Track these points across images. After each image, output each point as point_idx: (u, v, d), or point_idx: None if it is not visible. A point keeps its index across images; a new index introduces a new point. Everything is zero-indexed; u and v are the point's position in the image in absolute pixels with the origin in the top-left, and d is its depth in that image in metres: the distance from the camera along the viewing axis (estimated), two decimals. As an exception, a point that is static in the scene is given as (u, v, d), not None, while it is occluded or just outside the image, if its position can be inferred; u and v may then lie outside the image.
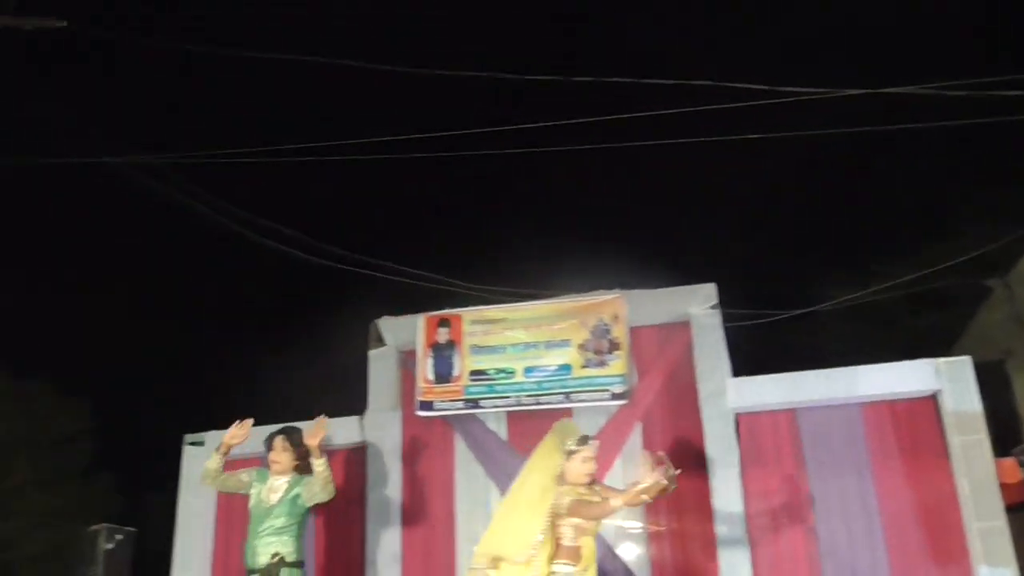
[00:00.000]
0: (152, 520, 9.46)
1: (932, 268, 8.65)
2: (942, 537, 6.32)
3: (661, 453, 4.62)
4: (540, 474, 4.74)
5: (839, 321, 12.46)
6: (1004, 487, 6.26)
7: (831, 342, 12.62)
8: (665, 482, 4.42)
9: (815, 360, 7.45)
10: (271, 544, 5.36)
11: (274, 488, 5.51)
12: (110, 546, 6.96)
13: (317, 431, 5.54)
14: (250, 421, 5.61)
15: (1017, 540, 6.11)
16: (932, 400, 6.65)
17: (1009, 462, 6.40)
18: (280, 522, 5.44)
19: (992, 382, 7.33)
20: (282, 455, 5.62)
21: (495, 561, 4.63)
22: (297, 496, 5.52)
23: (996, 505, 6.13)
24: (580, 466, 4.69)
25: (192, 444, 7.96)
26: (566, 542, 4.58)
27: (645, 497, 4.41)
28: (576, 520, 4.59)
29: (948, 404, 6.48)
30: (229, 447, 5.56)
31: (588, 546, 4.66)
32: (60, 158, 7.56)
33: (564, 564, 4.53)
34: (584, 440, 4.79)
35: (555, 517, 4.58)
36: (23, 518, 12.14)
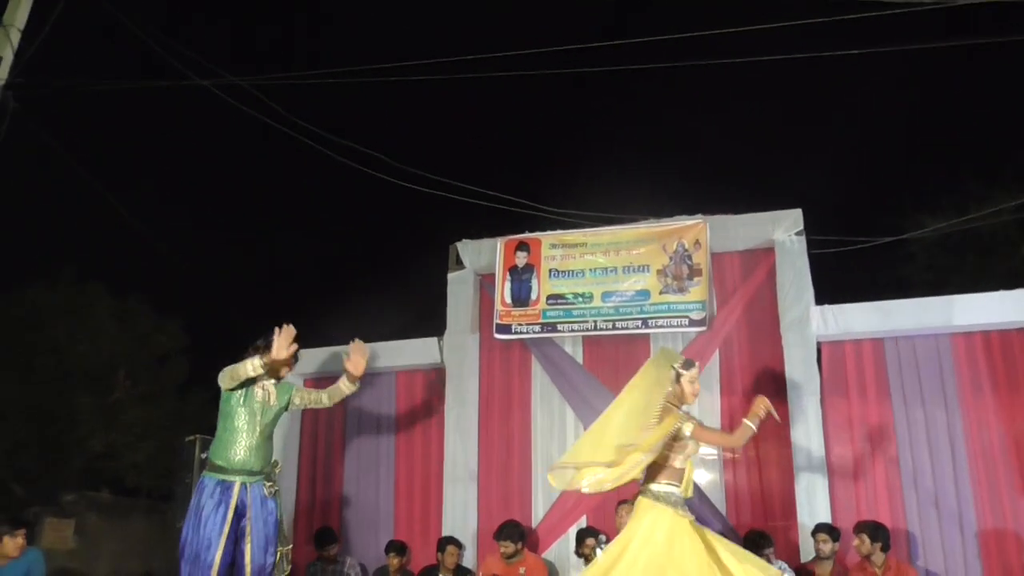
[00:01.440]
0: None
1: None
2: (1031, 470, 6.18)
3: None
4: (642, 392, 4.69)
5: (934, 249, 12.03)
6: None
7: (922, 272, 12.22)
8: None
9: (904, 290, 7.23)
10: (267, 449, 5.11)
11: (270, 391, 5.11)
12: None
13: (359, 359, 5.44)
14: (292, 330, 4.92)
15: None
16: (1027, 331, 6.43)
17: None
18: (273, 427, 5.18)
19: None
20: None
21: (581, 465, 4.64)
22: (288, 403, 5.25)
23: (1089, 439, 5.95)
24: (689, 387, 4.70)
25: (279, 361, 8.31)
26: (676, 463, 4.61)
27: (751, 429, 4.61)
28: (691, 443, 4.62)
29: (1045, 335, 6.25)
30: (276, 362, 4.91)
31: (690, 469, 4.71)
32: (145, 81, 7.79)
33: (669, 484, 4.56)
34: (691, 363, 4.79)
35: (673, 438, 4.58)
36: (126, 430, 12.99)
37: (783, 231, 7.04)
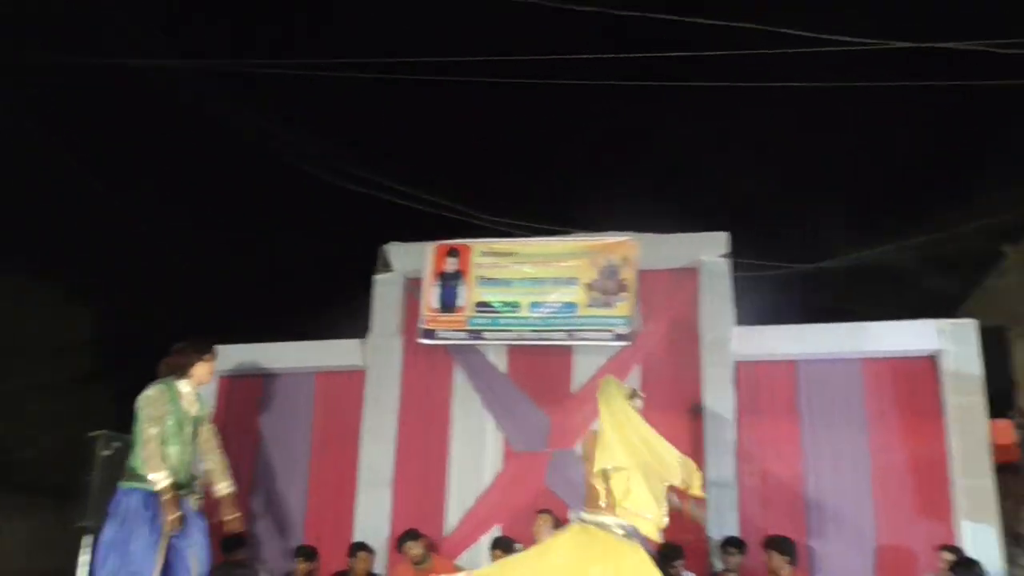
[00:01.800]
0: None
1: (946, 230, 8.68)
2: (928, 492, 6.51)
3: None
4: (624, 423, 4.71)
5: (850, 278, 12.53)
6: (996, 447, 6.40)
7: (831, 299, 12.69)
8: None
9: (821, 315, 7.51)
10: (194, 460, 4.99)
11: (188, 398, 4.98)
12: (107, 453, 7.08)
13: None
14: None
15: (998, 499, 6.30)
16: (932, 360, 6.76)
17: (1004, 423, 6.52)
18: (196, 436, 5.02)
19: (992, 346, 7.40)
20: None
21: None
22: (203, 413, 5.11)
23: (985, 463, 6.31)
24: None
25: (196, 357, 8.11)
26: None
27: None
28: None
29: (948, 365, 6.60)
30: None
31: None
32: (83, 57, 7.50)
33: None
34: (636, 395, 4.91)
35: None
36: (22, 422, 12.41)
37: (708, 253, 7.24)
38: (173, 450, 4.80)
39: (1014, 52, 6.81)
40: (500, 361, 7.46)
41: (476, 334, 7.39)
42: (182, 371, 4.98)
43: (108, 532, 4.66)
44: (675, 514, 5.95)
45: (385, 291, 7.78)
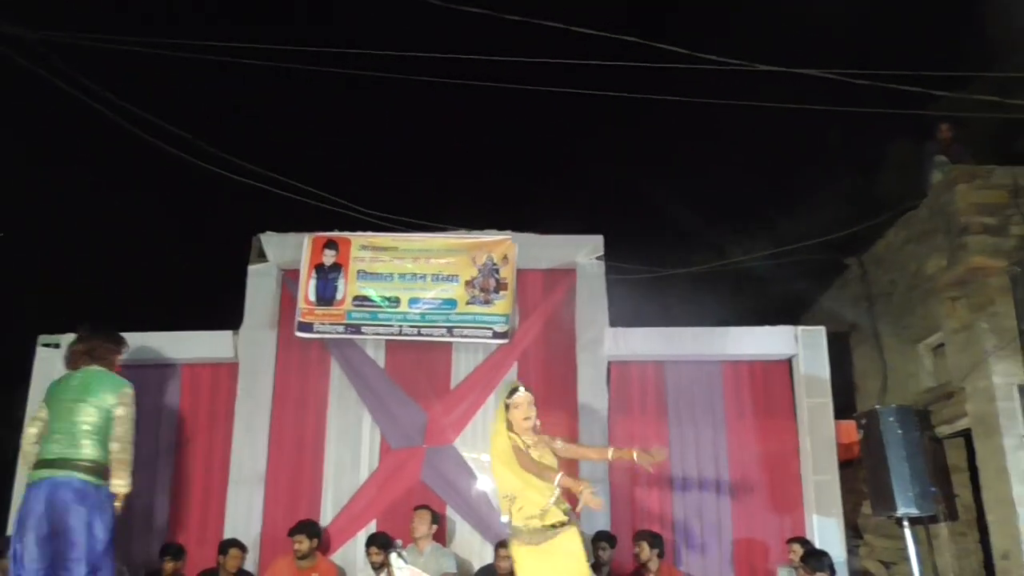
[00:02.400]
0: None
1: (797, 242, 9.34)
2: (781, 487, 7.04)
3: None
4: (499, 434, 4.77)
5: (695, 283, 13.23)
6: (840, 446, 6.98)
7: (683, 303, 13.38)
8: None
9: (669, 319, 7.91)
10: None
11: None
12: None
13: None
14: None
15: (843, 493, 6.89)
16: (787, 364, 7.29)
17: (848, 424, 7.11)
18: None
19: (836, 352, 8.04)
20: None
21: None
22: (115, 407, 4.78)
23: (832, 461, 6.88)
24: (516, 413, 4.76)
25: (46, 346, 7.65)
26: None
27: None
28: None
29: (801, 368, 7.13)
30: None
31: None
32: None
33: None
34: (514, 391, 4.86)
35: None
36: None
37: (585, 254, 7.50)
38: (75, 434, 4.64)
39: (862, 83, 7.41)
40: (379, 356, 7.44)
41: (355, 328, 7.34)
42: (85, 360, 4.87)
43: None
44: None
45: (259, 282, 7.58)
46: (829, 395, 7.08)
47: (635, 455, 4.83)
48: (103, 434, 4.67)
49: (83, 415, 4.66)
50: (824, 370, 7.13)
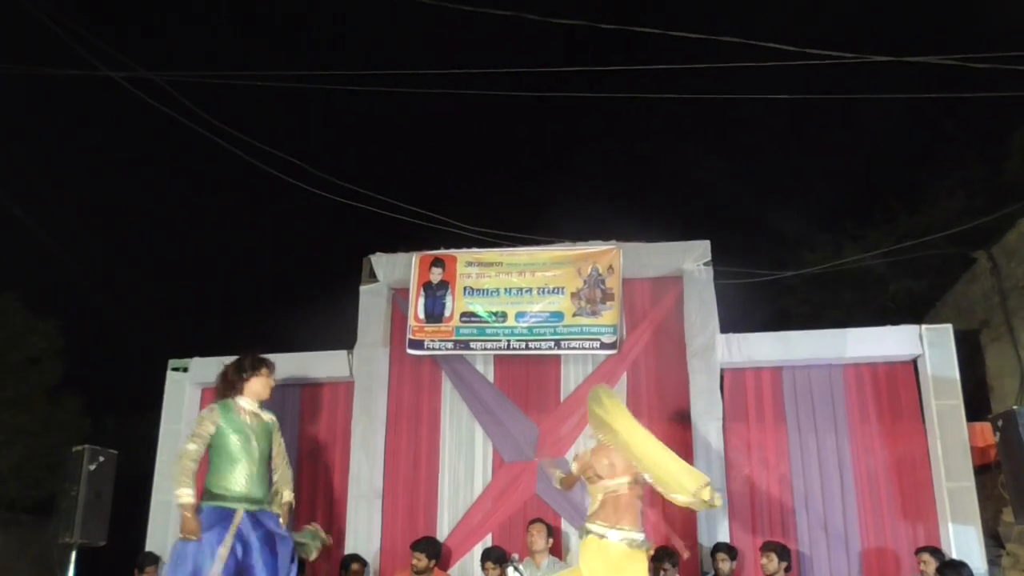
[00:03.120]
0: (127, 444, 9.60)
1: (918, 237, 8.96)
2: (911, 495, 6.72)
3: None
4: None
5: (811, 284, 12.83)
6: (975, 450, 6.62)
7: (799, 305, 12.98)
8: None
9: (783, 321, 7.72)
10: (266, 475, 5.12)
11: (250, 414, 5.10)
12: (92, 467, 7.05)
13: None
14: None
15: (981, 500, 6.51)
16: (912, 365, 6.98)
17: (982, 426, 6.74)
18: (269, 451, 5.14)
19: (966, 351, 7.65)
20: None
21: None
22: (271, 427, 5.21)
23: (966, 466, 6.52)
24: None
25: (175, 370, 8.09)
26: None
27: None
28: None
29: (928, 369, 6.80)
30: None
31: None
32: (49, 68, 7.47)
33: None
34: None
35: None
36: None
37: (692, 261, 7.39)
38: (240, 466, 4.89)
39: (986, 67, 7.06)
40: (488, 371, 7.54)
41: (463, 344, 7.47)
42: (234, 389, 5.13)
43: (175, 551, 4.74)
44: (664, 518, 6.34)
45: (371, 301, 7.81)
46: (960, 396, 6.72)
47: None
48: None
49: None
50: (953, 370, 6.78)
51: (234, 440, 4.93)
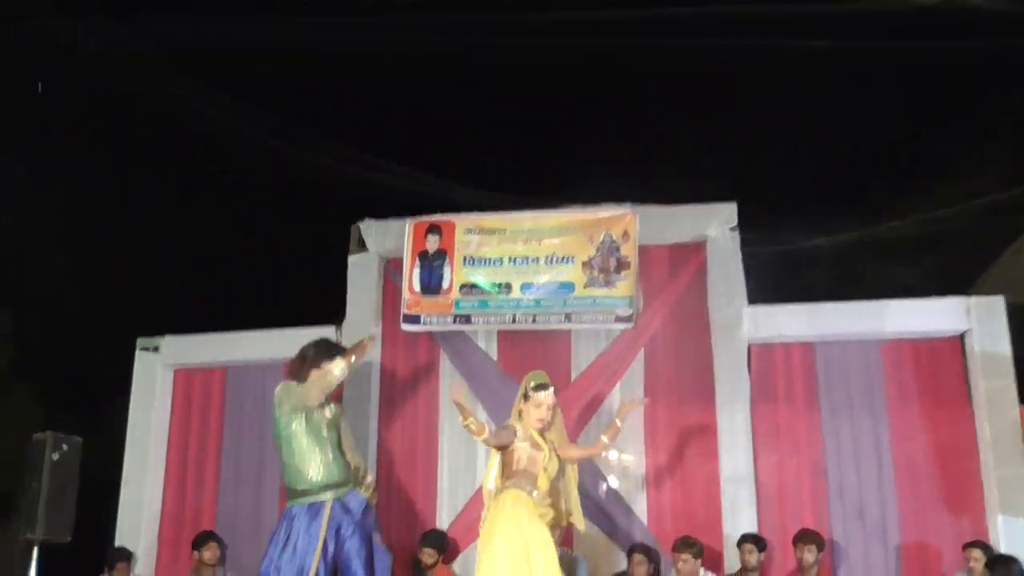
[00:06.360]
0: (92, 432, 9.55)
1: (962, 204, 8.91)
2: (956, 483, 6.70)
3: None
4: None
5: (838, 254, 12.78)
6: (1028, 434, 6.61)
7: (824, 276, 12.94)
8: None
9: (809, 293, 7.66)
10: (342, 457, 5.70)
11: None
12: (55, 456, 6.99)
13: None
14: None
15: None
16: (959, 340, 6.95)
17: (1037, 408, 6.73)
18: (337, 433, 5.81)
19: (1016, 326, 7.62)
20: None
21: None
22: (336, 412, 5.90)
23: (1018, 452, 6.51)
24: (532, 411, 5.26)
25: (145, 349, 8.05)
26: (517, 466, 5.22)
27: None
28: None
29: (976, 345, 6.78)
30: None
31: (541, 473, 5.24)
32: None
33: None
34: (543, 387, 5.31)
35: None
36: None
37: (716, 226, 7.32)
38: (317, 452, 5.47)
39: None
40: (491, 348, 7.50)
41: (464, 319, 7.42)
42: (300, 376, 5.66)
43: (269, 551, 5.41)
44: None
45: (360, 273, 7.75)
46: (1012, 376, 6.69)
47: (617, 421, 5.44)
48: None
49: None
50: (1005, 346, 6.75)
51: (306, 432, 5.51)
